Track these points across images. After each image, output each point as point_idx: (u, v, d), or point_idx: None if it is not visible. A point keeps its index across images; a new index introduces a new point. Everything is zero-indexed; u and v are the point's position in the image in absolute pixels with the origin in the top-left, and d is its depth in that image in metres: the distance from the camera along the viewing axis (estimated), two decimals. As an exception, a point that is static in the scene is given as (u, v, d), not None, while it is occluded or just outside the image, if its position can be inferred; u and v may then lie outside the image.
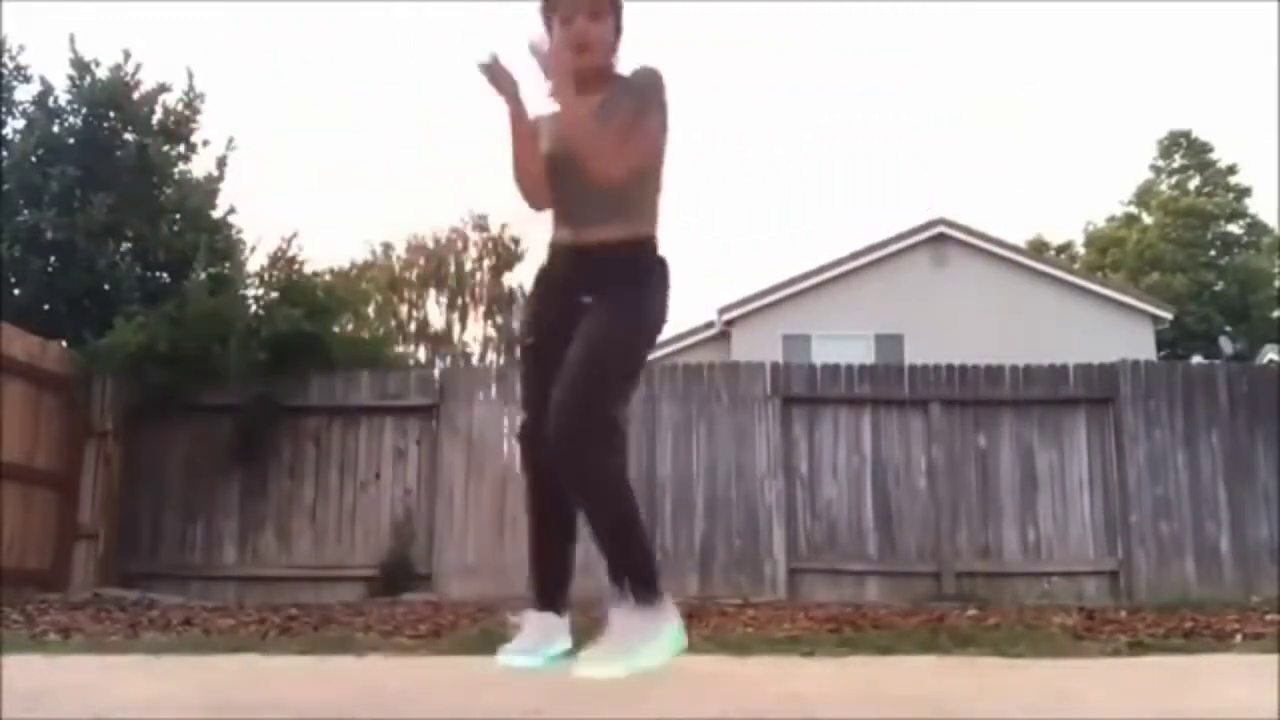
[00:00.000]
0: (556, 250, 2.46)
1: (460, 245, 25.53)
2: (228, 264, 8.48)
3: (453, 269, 25.21)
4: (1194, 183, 31.84)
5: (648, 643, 2.20)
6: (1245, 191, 31.32)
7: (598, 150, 2.30)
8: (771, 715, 2.00)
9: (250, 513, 7.58)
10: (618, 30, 2.45)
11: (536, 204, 2.47)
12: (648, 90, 2.36)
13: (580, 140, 2.31)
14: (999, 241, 15.95)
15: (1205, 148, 31.89)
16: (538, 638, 2.39)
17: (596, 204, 2.35)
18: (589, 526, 2.38)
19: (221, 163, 9.13)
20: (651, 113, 2.35)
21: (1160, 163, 32.80)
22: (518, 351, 2.59)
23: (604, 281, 2.35)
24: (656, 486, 7.47)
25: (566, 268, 2.41)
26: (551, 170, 2.39)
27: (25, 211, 8.25)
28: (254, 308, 8.04)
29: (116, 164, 8.56)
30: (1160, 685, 2.41)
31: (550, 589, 2.51)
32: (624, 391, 2.44)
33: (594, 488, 2.38)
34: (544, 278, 2.51)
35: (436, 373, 9.03)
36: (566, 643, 2.37)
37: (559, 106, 2.39)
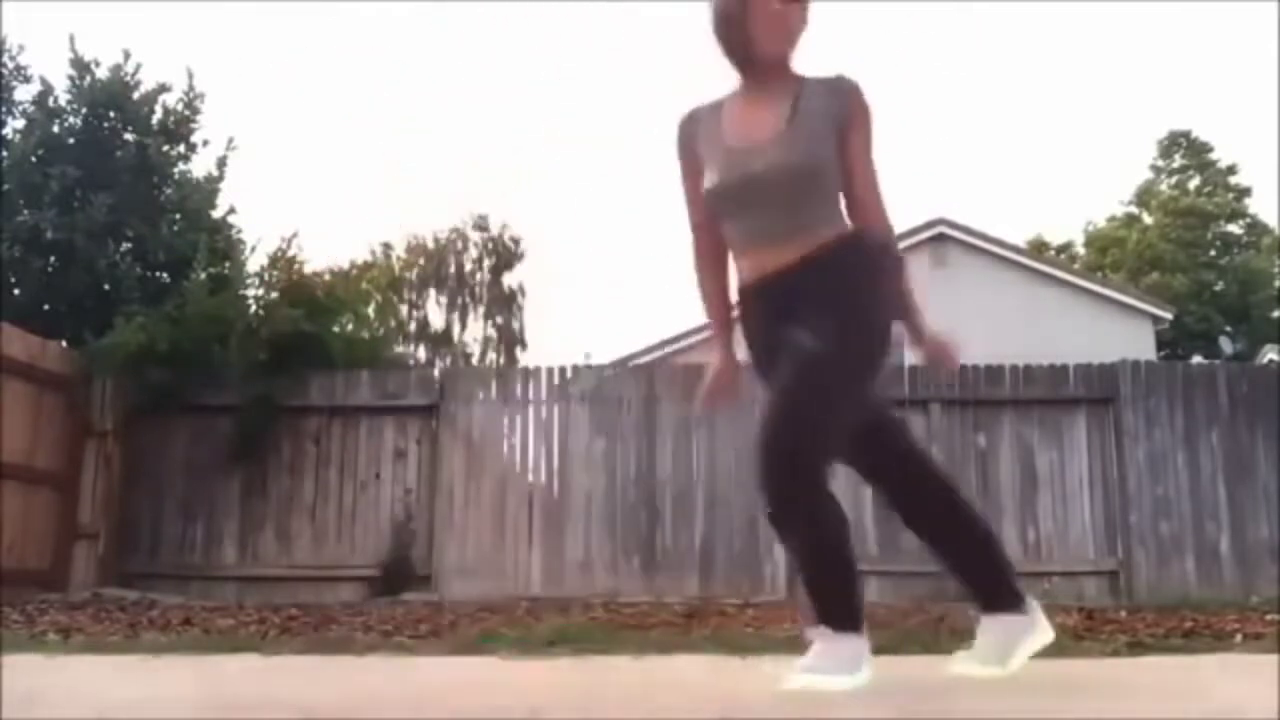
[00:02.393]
0: (749, 291, 2.34)
1: (460, 245, 25.56)
2: (228, 264, 8.48)
3: (453, 269, 25.22)
4: (1194, 183, 31.86)
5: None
6: (1245, 191, 31.35)
7: (858, 195, 2.23)
8: (771, 715, 2.00)
9: (250, 512, 7.58)
10: (805, 20, 2.30)
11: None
12: (864, 117, 2.25)
13: (788, 158, 2.18)
14: (999, 241, 15.95)
15: (1205, 148, 31.91)
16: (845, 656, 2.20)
17: (798, 219, 2.23)
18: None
19: (221, 163, 9.13)
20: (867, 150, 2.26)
21: (1160, 163, 32.82)
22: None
23: (810, 297, 2.22)
24: (657, 486, 7.47)
25: (762, 306, 2.32)
26: (743, 197, 2.23)
27: (25, 211, 8.25)
28: (254, 308, 8.04)
29: (116, 164, 8.56)
30: (1160, 685, 2.41)
31: (857, 606, 2.34)
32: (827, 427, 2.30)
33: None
34: (744, 324, 2.42)
35: (436, 373, 9.03)
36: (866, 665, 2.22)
37: (736, 117, 2.26)
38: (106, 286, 8.31)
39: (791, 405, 2.20)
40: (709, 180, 2.27)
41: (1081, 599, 6.86)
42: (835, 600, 2.28)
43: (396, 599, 6.75)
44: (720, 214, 2.31)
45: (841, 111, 2.23)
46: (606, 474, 7.57)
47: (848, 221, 2.28)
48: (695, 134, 2.34)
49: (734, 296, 2.44)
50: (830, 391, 2.19)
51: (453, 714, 2.05)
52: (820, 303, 2.19)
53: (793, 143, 2.19)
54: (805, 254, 2.21)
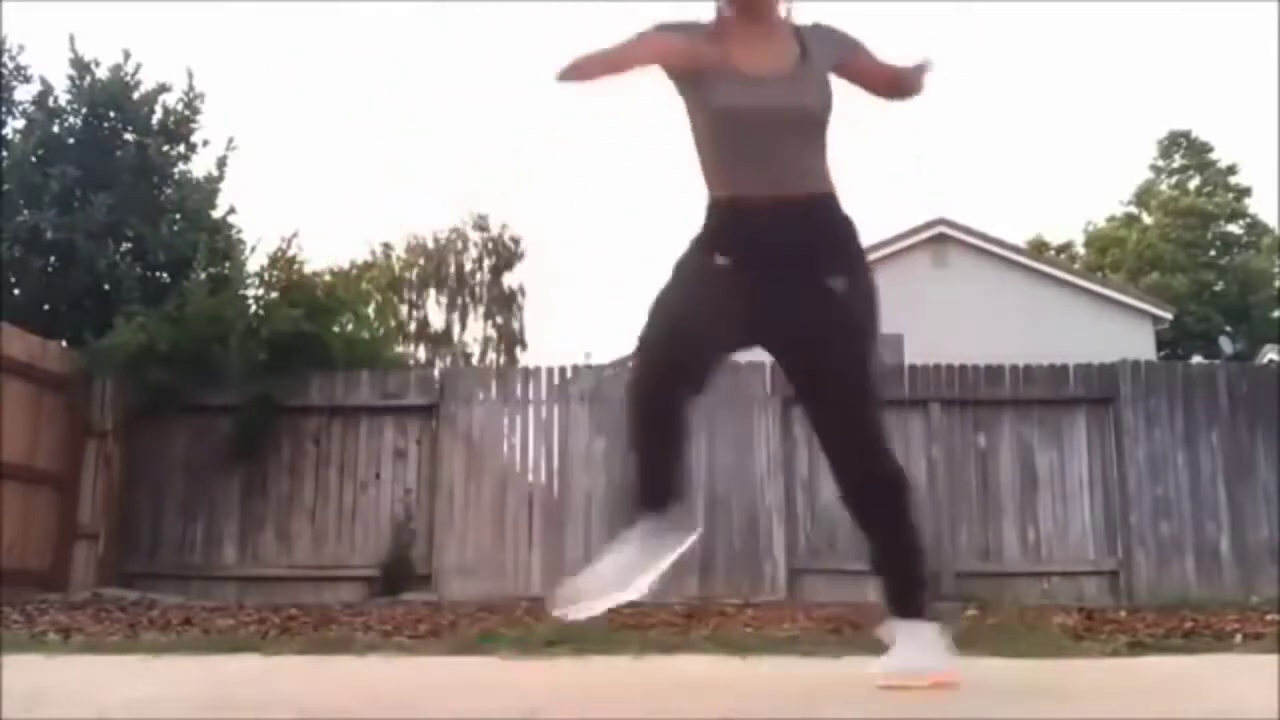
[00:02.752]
0: (744, 207, 2.26)
1: (460, 245, 25.56)
2: (228, 264, 8.48)
3: (453, 269, 25.23)
4: (1194, 183, 31.86)
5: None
6: (1245, 191, 31.34)
7: (887, 69, 2.41)
8: (771, 715, 2.00)
9: (250, 513, 7.58)
10: None
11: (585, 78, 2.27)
12: (852, 41, 2.41)
13: (806, 98, 2.26)
14: (999, 241, 15.94)
15: (1205, 148, 31.91)
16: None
17: (807, 156, 2.28)
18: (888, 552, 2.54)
19: (221, 163, 9.14)
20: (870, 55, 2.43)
21: (1160, 163, 32.82)
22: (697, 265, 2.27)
23: (838, 242, 2.29)
24: (656, 486, 7.46)
25: (771, 221, 2.23)
26: (759, 122, 2.24)
27: (25, 211, 8.25)
28: (254, 308, 8.04)
29: (116, 164, 8.57)
30: (1160, 685, 2.41)
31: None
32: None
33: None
34: (735, 225, 2.27)
35: (436, 373, 9.03)
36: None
37: (741, 50, 2.27)
38: (106, 286, 8.31)
39: (872, 418, 2.52)
40: (722, 98, 2.26)
41: (1081, 599, 6.86)
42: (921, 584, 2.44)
43: (396, 599, 6.75)
44: (729, 135, 2.28)
45: (833, 50, 2.37)
46: (606, 474, 7.56)
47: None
48: (684, 40, 2.30)
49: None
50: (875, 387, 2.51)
51: (453, 714, 2.05)
52: (844, 261, 2.31)
53: (809, 82, 2.29)
54: (815, 192, 2.30)
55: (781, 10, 2.36)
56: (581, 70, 2.24)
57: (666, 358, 2.24)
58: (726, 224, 2.28)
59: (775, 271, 2.23)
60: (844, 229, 2.32)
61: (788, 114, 2.25)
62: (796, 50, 2.31)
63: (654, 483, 2.29)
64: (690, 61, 2.28)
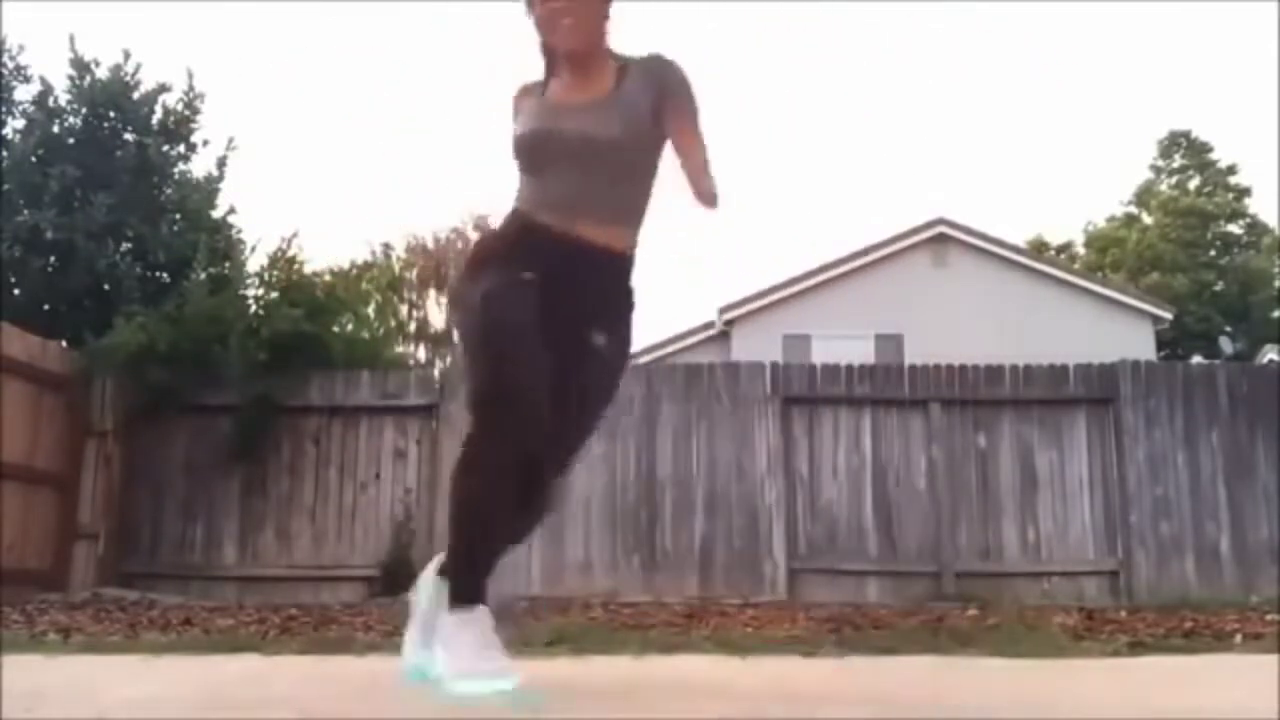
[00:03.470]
0: (547, 231, 2.20)
1: (460, 245, 25.52)
2: (228, 264, 8.48)
3: (453, 269, 25.20)
4: (1194, 183, 31.86)
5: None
6: (1245, 191, 31.35)
7: (692, 159, 2.15)
8: (771, 715, 2.00)
9: (250, 513, 7.58)
10: (606, 4, 2.29)
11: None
12: (690, 95, 2.24)
13: (606, 127, 2.18)
14: (999, 241, 15.96)
15: (1205, 148, 31.91)
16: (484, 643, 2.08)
17: (612, 200, 2.22)
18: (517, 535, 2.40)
19: (221, 163, 9.13)
20: (697, 122, 2.23)
21: (1160, 163, 32.82)
22: (503, 284, 2.18)
23: (610, 304, 2.28)
24: (656, 486, 7.47)
25: (565, 261, 2.18)
26: (555, 149, 2.21)
27: (25, 211, 8.24)
28: (254, 308, 8.03)
29: (116, 164, 8.56)
30: (1160, 685, 2.41)
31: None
32: None
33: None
34: (531, 247, 2.20)
35: (436, 373, 9.02)
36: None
37: (561, 85, 2.29)
38: (106, 286, 8.31)
39: (584, 435, 2.35)
40: (521, 127, 2.27)
41: (1081, 599, 6.86)
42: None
43: (396, 599, 6.74)
44: (527, 164, 2.28)
45: (655, 89, 2.23)
46: (606, 474, 7.56)
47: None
48: (518, 103, 2.38)
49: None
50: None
51: (453, 714, 2.05)
52: (619, 334, 2.32)
53: (616, 112, 2.21)
54: (624, 250, 2.27)
55: (607, 41, 2.32)
56: None
57: (532, 405, 2.12)
58: (525, 240, 2.23)
59: (565, 306, 2.18)
60: (624, 299, 2.33)
61: (581, 141, 2.19)
62: (611, 82, 2.25)
63: (481, 577, 2.15)
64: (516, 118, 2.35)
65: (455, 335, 2.44)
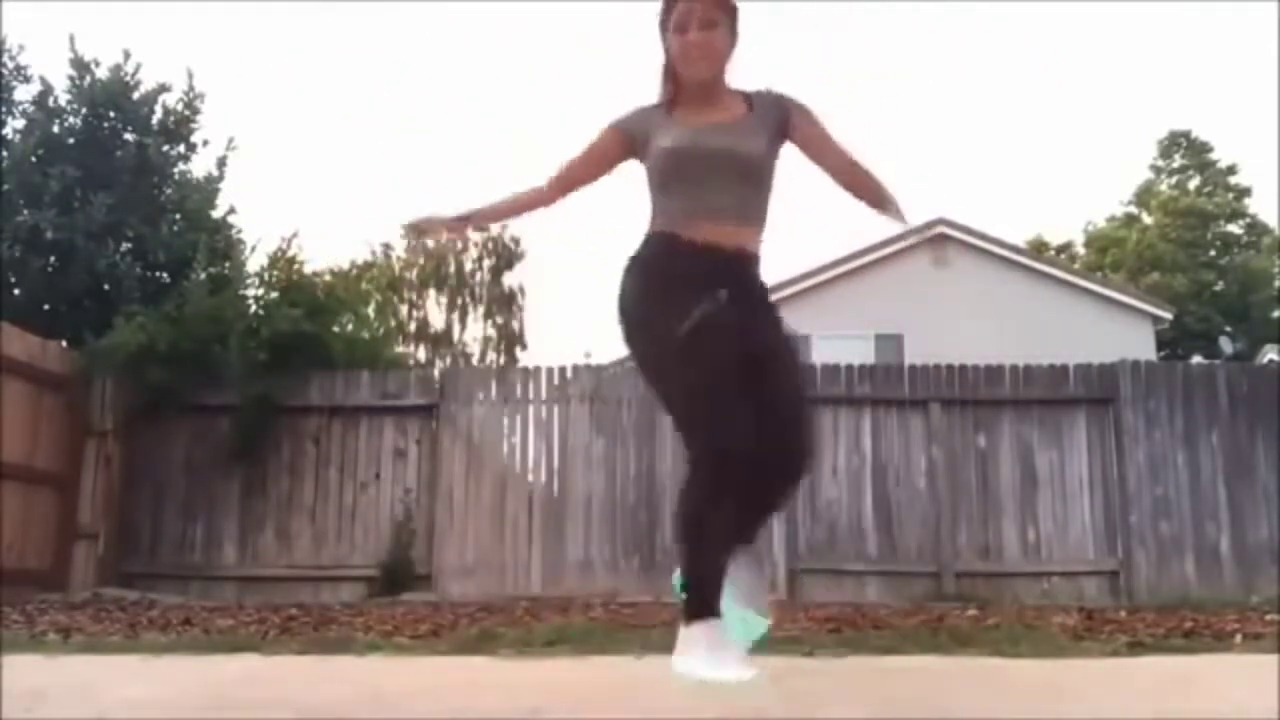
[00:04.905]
0: (694, 246, 2.35)
1: (460, 245, 25.51)
2: (228, 264, 8.48)
3: (453, 269, 25.19)
4: (1194, 183, 31.86)
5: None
6: (1245, 191, 31.34)
7: (839, 163, 2.46)
8: (771, 715, 2.00)
9: (250, 513, 7.58)
10: (733, 38, 2.47)
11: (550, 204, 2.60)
12: (806, 111, 2.48)
13: (751, 143, 2.39)
14: (999, 241, 15.95)
15: (1205, 148, 31.90)
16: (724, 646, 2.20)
17: (753, 208, 2.42)
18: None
19: (221, 163, 9.14)
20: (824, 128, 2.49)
21: (1160, 163, 32.81)
22: (687, 330, 2.27)
23: (764, 297, 2.46)
24: (657, 486, 7.47)
25: (713, 267, 2.33)
26: (706, 163, 2.38)
27: (25, 211, 8.25)
28: (254, 308, 8.04)
29: (116, 164, 8.57)
30: (1160, 685, 2.41)
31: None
32: None
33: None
34: (678, 260, 2.36)
35: (436, 373, 9.03)
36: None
37: (690, 112, 2.44)
38: (106, 286, 8.31)
39: (807, 411, 2.48)
40: (669, 142, 2.41)
41: (1081, 599, 6.86)
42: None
43: (396, 599, 6.75)
44: (671, 175, 2.42)
45: (781, 114, 2.48)
46: (606, 474, 7.57)
47: None
48: (636, 119, 2.51)
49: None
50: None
51: (453, 714, 2.05)
52: (775, 316, 2.48)
53: (753, 132, 2.42)
54: (755, 250, 2.45)
55: (726, 77, 2.48)
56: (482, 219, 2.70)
57: (743, 434, 2.23)
58: (690, 255, 2.36)
59: (732, 299, 2.32)
60: (766, 292, 2.50)
61: (727, 156, 2.38)
62: (743, 108, 2.46)
63: (708, 592, 2.25)
64: (642, 134, 2.47)
65: (637, 358, 2.49)
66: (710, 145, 2.38)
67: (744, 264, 2.40)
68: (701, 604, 2.22)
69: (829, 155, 2.48)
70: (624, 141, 2.51)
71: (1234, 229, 31.34)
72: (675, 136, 2.40)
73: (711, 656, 2.14)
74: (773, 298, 2.56)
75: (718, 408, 2.23)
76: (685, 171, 2.39)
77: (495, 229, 25.70)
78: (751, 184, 2.41)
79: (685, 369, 2.26)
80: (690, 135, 2.39)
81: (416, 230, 2.67)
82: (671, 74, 2.47)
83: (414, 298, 24.68)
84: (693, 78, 2.43)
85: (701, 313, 2.26)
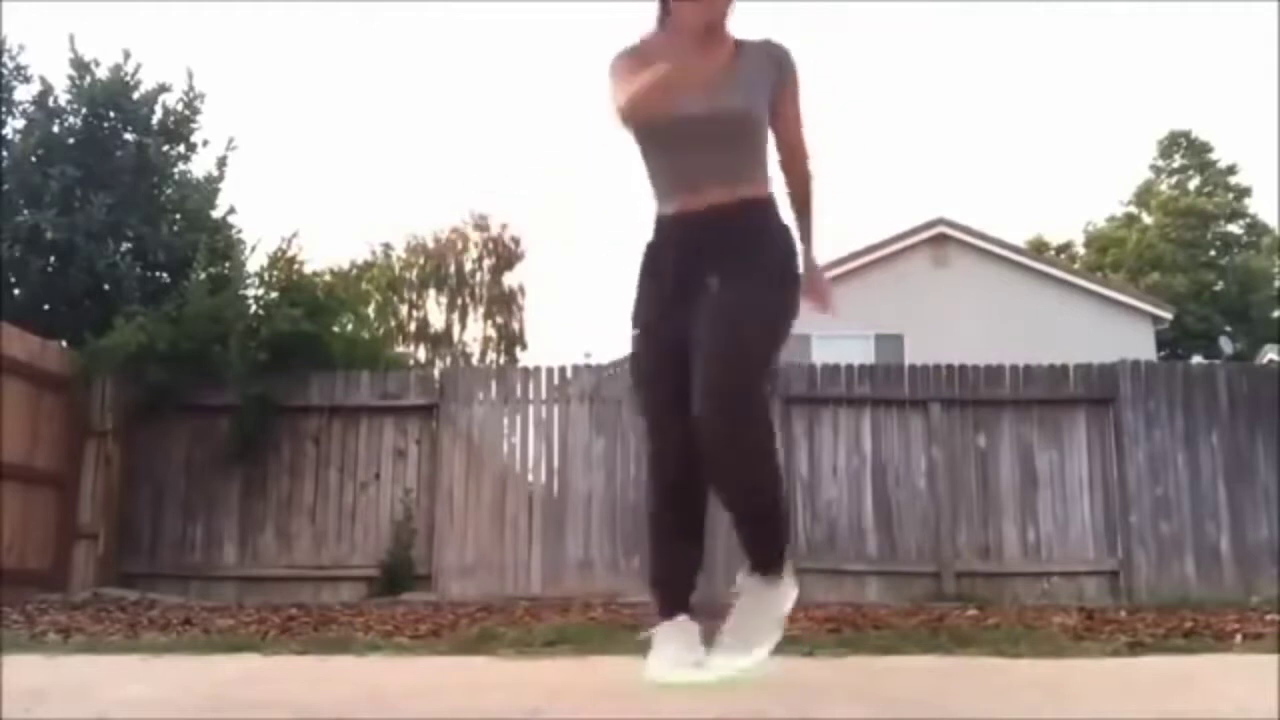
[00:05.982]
0: (668, 221, 2.35)
1: (460, 245, 25.52)
2: (228, 264, 8.48)
3: (453, 269, 25.20)
4: (1194, 183, 31.85)
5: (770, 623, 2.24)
6: (1245, 191, 31.35)
7: (791, 141, 2.38)
8: (771, 715, 2.00)
9: (250, 513, 7.58)
10: None
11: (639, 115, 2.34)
12: (795, 78, 2.39)
13: (729, 101, 2.28)
14: (999, 241, 15.95)
15: (1205, 148, 31.90)
16: (685, 648, 2.25)
17: (736, 165, 2.32)
18: (736, 511, 2.29)
19: (221, 163, 9.14)
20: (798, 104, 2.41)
21: (1160, 163, 32.81)
22: (631, 344, 2.41)
23: (730, 246, 2.27)
24: (656, 486, 7.45)
25: (680, 236, 2.31)
26: (681, 132, 2.28)
27: (25, 211, 8.25)
28: (254, 308, 8.04)
29: (116, 164, 8.57)
30: (1160, 685, 2.41)
31: (686, 593, 2.39)
32: (768, 369, 2.36)
33: (759, 471, 2.26)
34: (654, 254, 2.38)
35: (436, 373, 9.03)
36: (701, 650, 2.26)
37: (676, 61, 2.27)
38: (106, 286, 8.31)
39: (743, 343, 2.20)
40: (641, 115, 2.31)
41: (1081, 599, 6.86)
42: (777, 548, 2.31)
43: (396, 599, 6.75)
44: (649, 147, 2.37)
45: (774, 72, 2.38)
46: (606, 474, 7.57)
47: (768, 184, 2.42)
48: (626, 69, 2.37)
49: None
50: (774, 336, 2.31)
51: (453, 714, 2.05)
52: (758, 248, 2.30)
53: (732, 90, 2.31)
54: (744, 197, 2.32)
55: (728, 20, 2.38)
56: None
57: (672, 441, 2.27)
58: (663, 238, 2.37)
59: (682, 269, 2.29)
60: (761, 228, 2.34)
61: (708, 118, 2.28)
62: (729, 59, 2.35)
63: (667, 591, 2.35)
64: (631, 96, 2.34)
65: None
66: (687, 112, 2.25)
67: (719, 216, 2.27)
68: (658, 605, 2.29)
69: (790, 133, 2.40)
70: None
71: (1234, 229, 31.34)
72: (645, 106, 2.28)
73: (660, 658, 2.18)
74: (764, 244, 2.34)
75: (651, 419, 2.33)
76: (660, 141, 2.33)
77: (495, 229, 25.76)
78: (735, 145, 2.32)
79: (634, 378, 2.40)
80: (663, 104, 2.26)
81: None
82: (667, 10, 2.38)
83: (414, 298, 24.69)
84: (692, 21, 2.32)
85: (634, 334, 2.35)
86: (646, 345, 2.35)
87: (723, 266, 2.25)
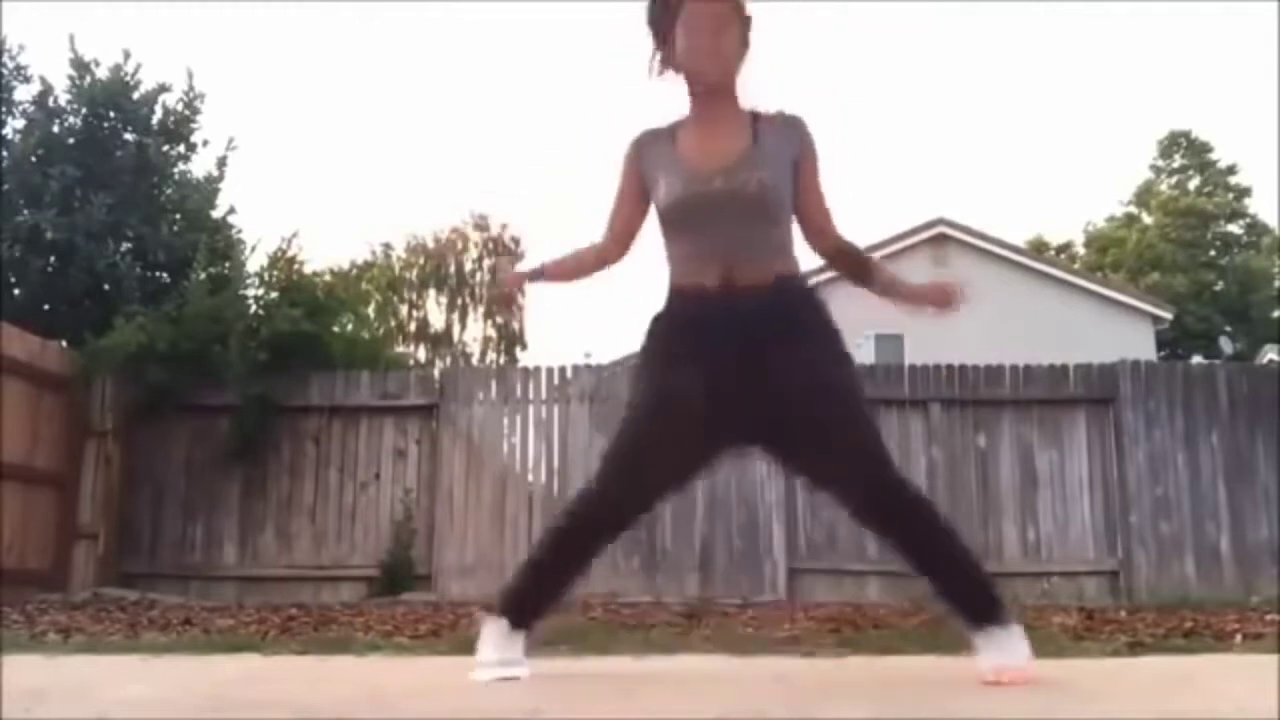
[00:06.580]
0: (697, 294, 2.29)
1: (460, 245, 25.53)
2: (228, 264, 8.49)
3: (453, 269, 25.20)
4: (1194, 183, 31.87)
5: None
6: (1245, 191, 31.36)
7: (819, 217, 2.38)
8: (771, 715, 2.00)
9: (250, 513, 7.59)
10: (745, 45, 2.38)
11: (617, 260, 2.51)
12: (815, 151, 2.39)
13: (755, 183, 2.27)
14: (999, 241, 15.96)
15: (1205, 148, 31.91)
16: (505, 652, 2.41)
17: (755, 244, 2.30)
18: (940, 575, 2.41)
19: (221, 163, 9.15)
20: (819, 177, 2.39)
21: (1160, 163, 32.82)
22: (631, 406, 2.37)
23: (794, 321, 2.27)
24: (656, 486, 7.45)
25: (721, 311, 2.25)
26: (708, 210, 2.28)
27: (25, 211, 8.25)
28: (254, 308, 8.04)
29: (116, 164, 8.57)
30: (1160, 685, 2.41)
31: (540, 612, 2.48)
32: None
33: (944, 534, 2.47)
34: (679, 326, 2.31)
35: (436, 373, 9.03)
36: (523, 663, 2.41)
37: (693, 138, 2.35)
38: (106, 286, 8.31)
39: (874, 435, 2.33)
40: (669, 191, 2.33)
41: (1081, 599, 6.86)
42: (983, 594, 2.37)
43: (396, 599, 6.75)
44: (678, 225, 2.36)
45: (795, 146, 2.37)
46: (606, 474, 7.56)
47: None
48: (645, 152, 2.43)
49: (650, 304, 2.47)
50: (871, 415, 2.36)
51: (453, 714, 2.05)
52: (813, 329, 2.31)
53: (757, 164, 2.30)
54: (780, 273, 2.32)
55: (740, 88, 2.39)
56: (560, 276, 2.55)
57: (612, 507, 2.34)
58: (679, 313, 2.34)
59: (733, 353, 2.24)
60: (806, 305, 2.34)
61: (736, 194, 2.27)
62: (750, 138, 2.33)
63: (532, 602, 2.45)
64: (648, 173, 2.40)
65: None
66: (712, 189, 2.28)
67: (749, 299, 2.25)
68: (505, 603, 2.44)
69: (809, 201, 2.39)
70: (641, 174, 2.43)
71: (1234, 229, 31.35)
72: (676, 182, 2.32)
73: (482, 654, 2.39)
74: (825, 320, 2.35)
75: (626, 473, 2.32)
76: (688, 218, 2.32)
77: (495, 229, 25.77)
78: (759, 220, 2.30)
79: (615, 439, 2.36)
80: (690, 181, 2.30)
81: (501, 286, 2.62)
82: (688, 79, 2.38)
83: (414, 298, 24.70)
84: (701, 79, 2.35)
85: (642, 396, 2.32)
86: (660, 407, 2.28)
87: (785, 349, 2.24)
